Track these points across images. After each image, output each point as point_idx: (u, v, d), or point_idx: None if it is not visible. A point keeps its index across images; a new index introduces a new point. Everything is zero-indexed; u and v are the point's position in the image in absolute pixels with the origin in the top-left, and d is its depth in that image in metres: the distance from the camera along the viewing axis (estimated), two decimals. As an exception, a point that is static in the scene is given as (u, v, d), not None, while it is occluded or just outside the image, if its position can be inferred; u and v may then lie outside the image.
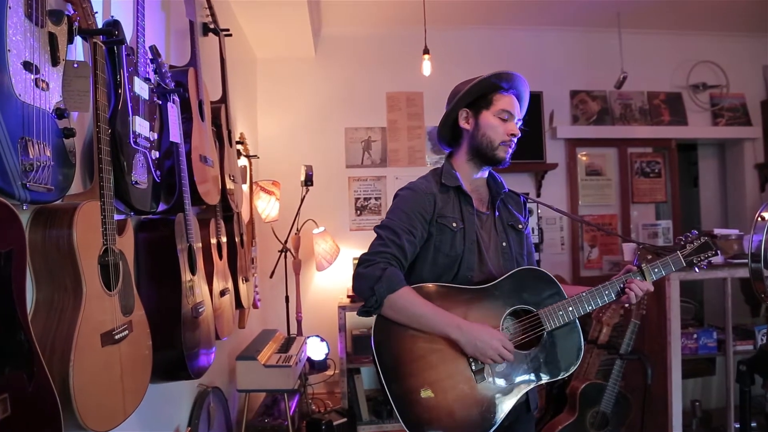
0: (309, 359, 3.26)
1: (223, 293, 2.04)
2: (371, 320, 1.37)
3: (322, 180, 3.54)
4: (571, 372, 1.38)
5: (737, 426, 2.71)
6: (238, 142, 2.76)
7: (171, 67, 1.86)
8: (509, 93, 1.49)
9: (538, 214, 3.77)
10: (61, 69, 1.05)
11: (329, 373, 3.43)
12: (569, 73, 3.97)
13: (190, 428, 2.02)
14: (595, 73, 3.95)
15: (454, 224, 1.44)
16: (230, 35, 2.54)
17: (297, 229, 3.33)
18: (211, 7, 2.33)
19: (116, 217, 1.18)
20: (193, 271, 1.64)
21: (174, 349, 1.49)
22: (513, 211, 1.58)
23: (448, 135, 1.56)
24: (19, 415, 0.83)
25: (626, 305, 1.47)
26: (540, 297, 1.40)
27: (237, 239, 2.41)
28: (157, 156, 1.49)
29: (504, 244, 1.51)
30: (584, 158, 4.03)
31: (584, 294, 1.40)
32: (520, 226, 1.56)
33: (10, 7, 0.90)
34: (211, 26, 2.39)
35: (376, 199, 3.82)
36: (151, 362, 1.33)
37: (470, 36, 3.88)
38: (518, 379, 1.35)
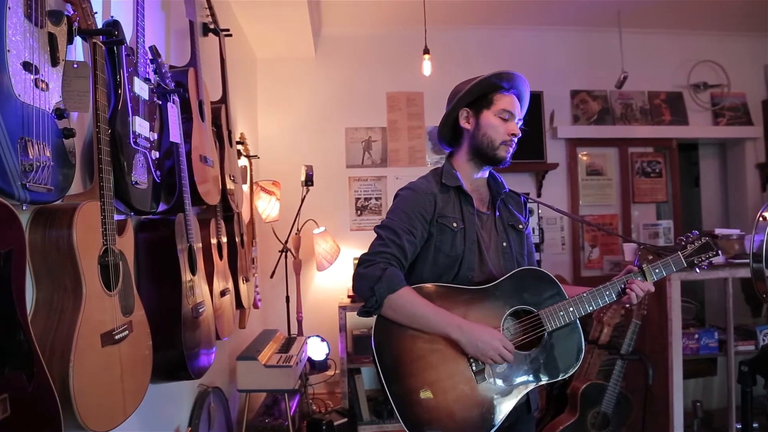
0: (309, 359, 3.26)
1: (223, 293, 2.04)
2: (372, 320, 1.37)
3: (323, 180, 3.54)
4: (571, 373, 1.38)
5: (739, 427, 2.71)
6: (238, 142, 2.76)
7: (171, 67, 1.86)
8: (510, 93, 1.49)
9: (539, 214, 3.76)
10: (61, 69, 1.05)
11: (330, 373, 3.43)
12: (570, 72, 3.97)
13: (190, 428, 2.02)
14: (596, 73, 3.94)
15: (455, 224, 1.44)
16: (230, 35, 2.54)
17: (297, 229, 3.33)
18: (211, 7, 2.33)
19: (116, 217, 1.18)
20: (193, 272, 1.64)
21: (174, 349, 1.49)
22: (513, 211, 1.57)
23: (449, 135, 1.56)
24: (18, 415, 0.83)
25: (627, 305, 1.47)
26: (541, 297, 1.39)
27: (237, 239, 2.41)
28: (157, 156, 1.49)
29: (504, 244, 1.50)
30: (585, 158, 4.02)
31: (585, 294, 1.39)
32: (521, 226, 1.56)
33: (9, 8, 0.90)
34: (211, 26, 2.39)
35: (376, 199, 3.82)
36: (152, 362, 1.33)
37: (470, 36, 3.88)
38: (519, 379, 1.34)
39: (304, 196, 3.26)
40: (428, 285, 1.39)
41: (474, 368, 1.32)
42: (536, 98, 3.79)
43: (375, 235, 1.42)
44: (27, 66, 0.94)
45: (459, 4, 3.49)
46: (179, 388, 1.93)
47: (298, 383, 2.72)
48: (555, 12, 3.67)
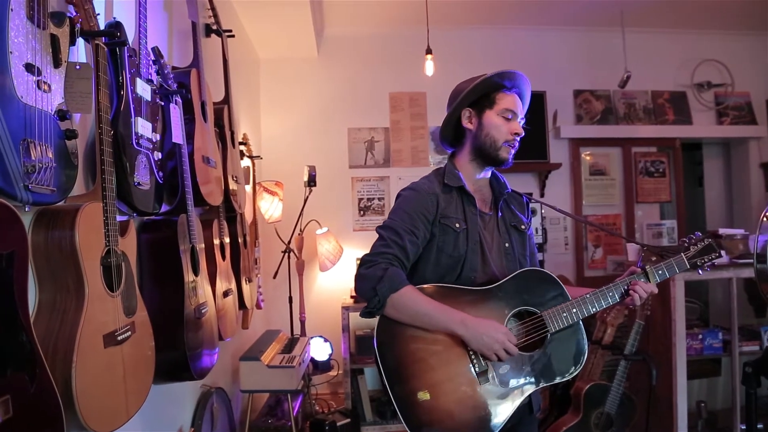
0: (312, 360, 3.26)
1: (226, 294, 2.04)
2: (375, 321, 1.36)
3: (325, 180, 3.54)
4: (574, 374, 1.38)
5: (743, 427, 2.69)
6: (241, 143, 2.76)
7: (173, 68, 1.87)
8: (512, 92, 1.48)
9: (542, 214, 3.75)
10: (63, 71, 1.05)
11: (333, 373, 3.42)
12: (572, 72, 3.95)
13: (193, 429, 2.02)
14: (599, 73, 3.93)
15: (457, 225, 1.43)
16: (233, 36, 2.54)
17: (300, 230, 3.33)
18: (213, 8, 2.33)
19: (119, 218, 1.18)
20: (196, 272, 1.64)
21: (177, 349, 1.49)
22: (516, 211, 1.57)
23: (451, 135, 1.56)
24: (21, 416, 0.83)
25: (630, 306, 1.47)
26: (543, 298, 1.39)
27: (240, 240, 2.41)
28: (160, 157, 1.49)
29: (507, 244, 1.50)
30: (588, 158, 4.01)
31: (588, 296, 1.39)
32: (523, 227, 1.55)
33: (12, 9, 0.90)
34: (214, 27, 2.39)
35: (379, 199, 3.82)
36: (154, 363, 1.33)
37: (473, 36, 3.87)
38: (521, 381, 1.34)
39: (307, 197, 3.26)
40: (430, 285, 1.39)
41: (477, 370, 1.32)
42: (539, 98, 3.78)
43: (378, 235, 1.42)
44: (29, 67, 0.95)
45: (461, 4, 3.48)
46: (182, 389, 1.93)
47: (301, 384, 2.72)
48: (558, 12, 3.66)
